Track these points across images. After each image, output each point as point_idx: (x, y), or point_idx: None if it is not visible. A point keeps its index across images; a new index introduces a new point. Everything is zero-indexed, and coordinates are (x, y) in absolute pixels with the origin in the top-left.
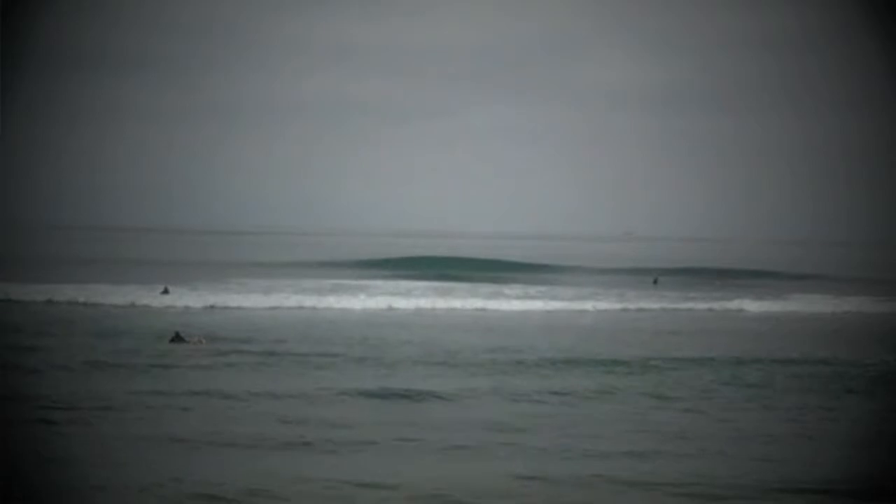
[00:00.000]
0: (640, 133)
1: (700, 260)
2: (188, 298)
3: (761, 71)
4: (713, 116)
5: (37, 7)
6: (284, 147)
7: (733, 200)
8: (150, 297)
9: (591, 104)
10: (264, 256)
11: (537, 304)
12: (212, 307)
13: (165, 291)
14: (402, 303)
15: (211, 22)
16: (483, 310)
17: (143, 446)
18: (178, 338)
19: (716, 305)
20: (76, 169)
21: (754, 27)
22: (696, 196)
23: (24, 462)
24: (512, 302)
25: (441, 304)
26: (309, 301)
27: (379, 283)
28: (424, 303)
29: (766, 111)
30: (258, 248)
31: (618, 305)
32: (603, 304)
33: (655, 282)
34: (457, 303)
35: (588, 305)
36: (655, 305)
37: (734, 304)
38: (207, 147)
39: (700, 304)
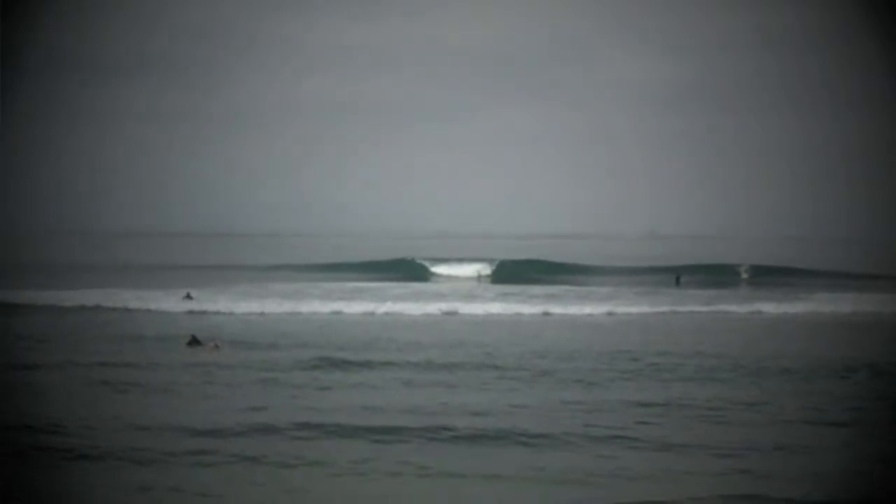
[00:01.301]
0: (655, 132)
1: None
2: (220, 304)
3: (776, 69)
4: (730, 115)
5: (37, 7)
6: (293, 148)
7: (756, 198)
8: (174, 303)
9: (605, 104)
10: (278, 259)
11: (619, 307)
12: (262, 313)
13: (188, 297)
14: (464, 308)
15: (216, 22)
16: (549, 314)
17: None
18: (194, 341)
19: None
20: (78, 171)
21: (764, 25)
22: (717, 194)
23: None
24: (589, 305)
25: (497, 308)
26: (359, 307)
27: (416, 285)
28: (475, 308)
29: (777, 109)
30: (272, 251)
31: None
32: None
33: (678, 281)
34: (523, 308)
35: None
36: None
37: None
38: (211, 148)
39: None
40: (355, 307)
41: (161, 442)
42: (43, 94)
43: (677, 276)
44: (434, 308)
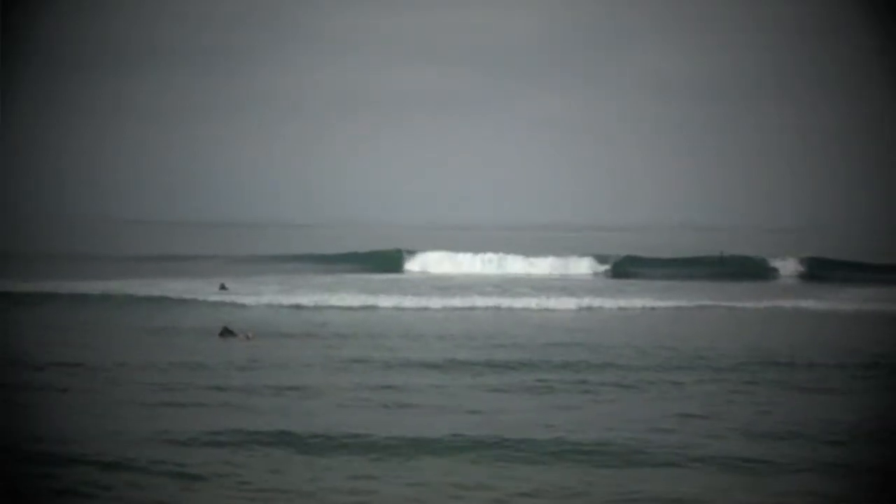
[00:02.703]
0: (688, 122)
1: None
2: (264, 296)
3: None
4: (769, 103)
5: (37, 6)
6: (330, 138)
7: (796, 189)
8: (209, 293)
9: (641, 94)
10: (313, 249)
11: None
12: (297, 306)
13: (223, 287)
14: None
15: (248, 11)
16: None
17: None
18: (226, 332)
19: None
20: (104, 162)
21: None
22: (756, 185)
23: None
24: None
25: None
26: (409, 301)
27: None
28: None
29: (819, 98)
30: (306, 241)
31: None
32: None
33: (721, 258)
34: (621, 302)
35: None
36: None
37: None
38: (238, 140)
39: None
40: (477, 301)
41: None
42: (52, 91)
43: (720, 253)
44: (568, 304)
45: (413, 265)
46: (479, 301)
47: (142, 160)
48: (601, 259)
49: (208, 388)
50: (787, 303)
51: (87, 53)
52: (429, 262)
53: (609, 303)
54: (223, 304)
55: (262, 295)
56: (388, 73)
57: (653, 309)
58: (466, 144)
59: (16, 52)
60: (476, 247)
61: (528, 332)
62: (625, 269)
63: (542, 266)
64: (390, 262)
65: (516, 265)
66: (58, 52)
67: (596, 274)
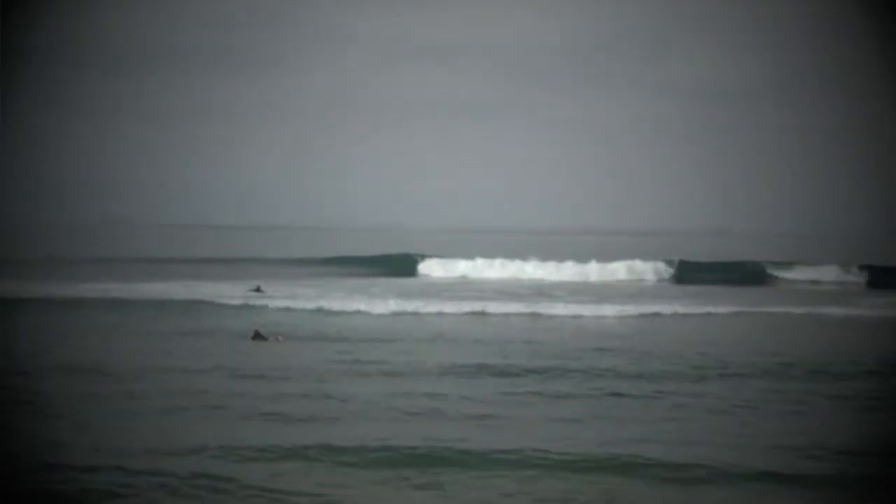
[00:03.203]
0: (723, 128)
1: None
2: (299, 300)
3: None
4: (806, 109)
5: (37, 6)
6: (356, 139)
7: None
8: (245, 295)
9: (674, 98)
10: (337, 252)
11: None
12: (361, 311)
13: (258, 290)
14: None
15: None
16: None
17: None
18: (258, 335)
19: None
20: (119, 165)
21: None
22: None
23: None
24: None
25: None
26: (466, 305)
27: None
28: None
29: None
30: (331, 244)
31: None
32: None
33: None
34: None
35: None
36: None
37: None
38: (254, 144)
39: None
40: (510, 307)
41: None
42: (53, 91)
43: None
44: (626, 310)
45: (457, 269)
46: (546, 308)
47: (148, 162)
48: (669, 264)
49: (242, 394)
50: (862, 311)
51: (87, 53)
52: (479, 268)
53: (693, 308)
54: (253, 306)
55: (296, 298)
56: (409, 76)
57: (718, 315)
58: (492, 148)
59: (16, 52)
60: (521, 252)
61: (622, 341)
62: (687, 274)
63: (591, 271)
64: (409, 266)
65: (567, 271)
66: (58, 52)
67: (661, 280)
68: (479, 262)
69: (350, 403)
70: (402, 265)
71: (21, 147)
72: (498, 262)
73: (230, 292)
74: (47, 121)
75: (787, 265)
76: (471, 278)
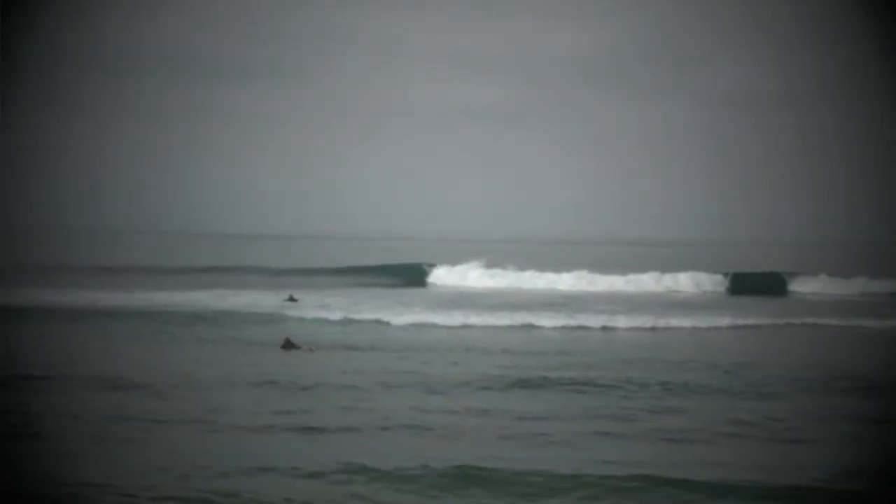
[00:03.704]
0: (761, 136)
1: None
2: (332, 310)
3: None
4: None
5: (37, 6)
6: (419, 151)
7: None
8: (279, 305)
9: (705, 107)
10: (366, 261)
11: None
12: (396, 322)
13: (291, 299)
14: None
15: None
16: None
17: None
18: (289, 344)
19: None
20: (141, 169)
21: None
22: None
23: None
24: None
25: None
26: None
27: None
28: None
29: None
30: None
31: None
32: None
33: None
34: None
35: None
36: None
37: None
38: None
39: None
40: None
41: None
42: (54, 92)
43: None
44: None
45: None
46: (592, 320)
47: (148, 165)
48: (724, 274)
49: (279, 412)
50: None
51: (87, 54)
52: (523, 279)
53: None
54: (286, 317)
55: (331, 308)
56: (439, 85)
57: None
58: (526, 157)
59: (16, 52)
60: (558, 263)
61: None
62: (739, 285)
63: (623, 282)
64: (422, 275)
65: (603, 282)
66: (58, 53)
67: (710, 291)
68: (512, 273)
69: (394, 421)
70: (422, 275)
71: (21, 147)
72: (530, 273)
73: (264, 302)
74: (47, 121)
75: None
76: (513, 288)
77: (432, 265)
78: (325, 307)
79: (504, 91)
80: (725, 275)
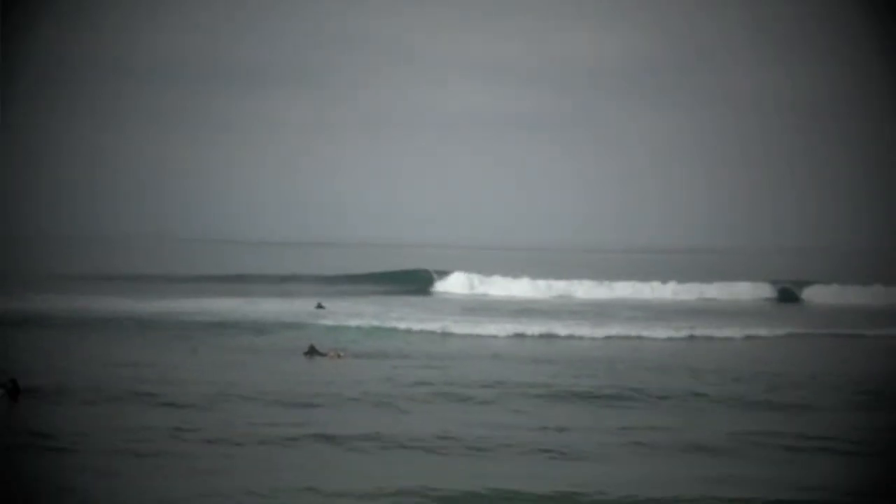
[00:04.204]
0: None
1: None
2: (361, 318)
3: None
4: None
5: (37, 6)
6: (429, 156)
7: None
8: (308, 313)
9: (727, 112)
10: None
11: None
12: (444, 332)
13: (319, 307)
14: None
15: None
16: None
17: None
18: (313, 351)
19: None
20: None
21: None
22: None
23: None
24: None
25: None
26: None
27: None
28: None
29: None
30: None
31: None
32: None
33: None
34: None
35: None
36: None
37: None
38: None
39: None
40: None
41: None
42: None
43: None
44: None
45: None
46: (661, 332)
47: (148, 171)
48: (775, 283)
49: (317, 437)
50: None
51: (87, 54)
52: (578, 289)
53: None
54: (314, 325)
55: (362, 316)
56: (469, 92)
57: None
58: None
59: (16, 52)
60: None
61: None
62: (788, 293)
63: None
64: (438, 283)
65: (666, 291)
66: (58, 53)
67: (766, 299)
68: (545, 282)
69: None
70: (439, 283)
71: (22, 148)
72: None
73: (292, 309)
74: (48, 122)
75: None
76: (556, 296)
77: (464, 273)
78: (355, 315)
79: (539, 99)
80: (774, 283)
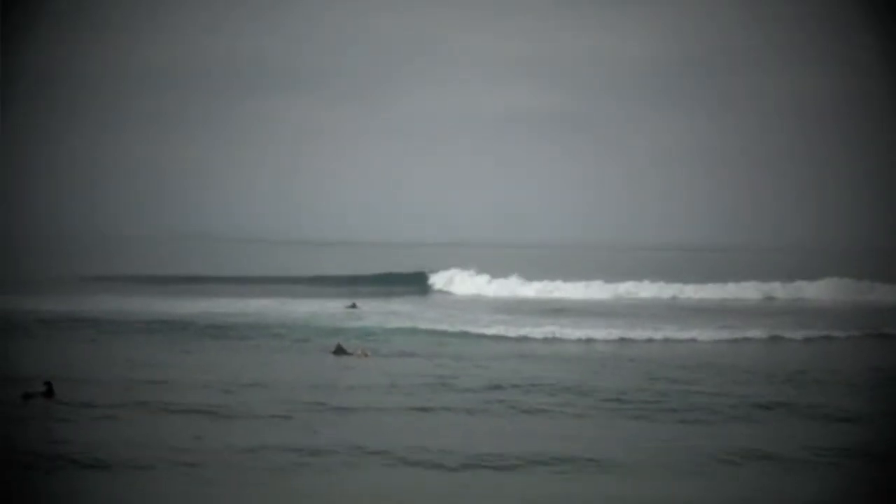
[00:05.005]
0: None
1: None
2: (395, 319)
3: None
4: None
5: (37, 6)
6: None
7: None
8: (342, 312)
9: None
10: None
11: None
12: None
13: (353, 306)
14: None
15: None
16: None
17: None
18: (340, 350)
19: None
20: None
21: None
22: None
23: None
24: None
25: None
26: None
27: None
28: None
29: None
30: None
31: None
32: None
33: None
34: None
35: None
36: None
37: None
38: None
39: None
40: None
41: None
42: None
43: None
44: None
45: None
46: (702, 334)
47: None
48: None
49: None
50: None
51: (87, 54)
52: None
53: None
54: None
55: (397, 315)
56: (493, 92)
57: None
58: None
59: (15, 52)
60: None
61: None
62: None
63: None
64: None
65: (688, 291)
66: (58, 53)
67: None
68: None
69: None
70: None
71: (23, 148)
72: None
73: (325, 309)
74: (48, 122)
75: None
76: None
77: (486, 275)
78: (390, 314)
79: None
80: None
